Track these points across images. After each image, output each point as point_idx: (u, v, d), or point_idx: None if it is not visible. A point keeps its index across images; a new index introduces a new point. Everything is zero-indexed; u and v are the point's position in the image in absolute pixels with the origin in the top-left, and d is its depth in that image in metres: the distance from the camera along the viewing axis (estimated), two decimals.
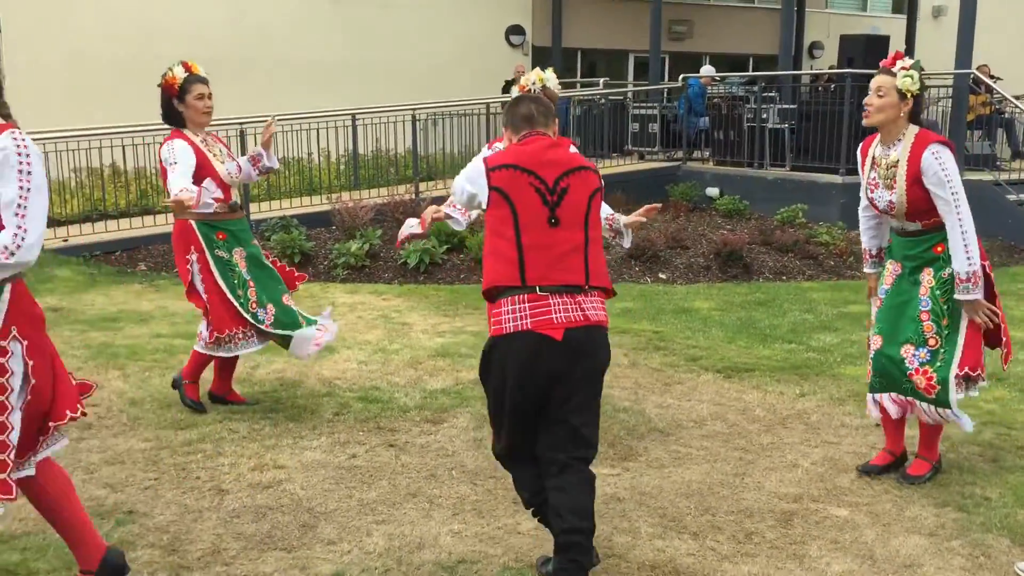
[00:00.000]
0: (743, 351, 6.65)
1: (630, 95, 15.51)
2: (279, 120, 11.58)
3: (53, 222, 10.21)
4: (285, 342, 5.09)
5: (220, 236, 4.97)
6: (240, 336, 5.03)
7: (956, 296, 4.04)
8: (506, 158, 3.31)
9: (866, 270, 4.61)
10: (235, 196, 5.16)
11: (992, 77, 12.85)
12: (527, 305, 3.18)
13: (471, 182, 3.33)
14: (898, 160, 4.09)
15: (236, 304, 4.96)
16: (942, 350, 4.11)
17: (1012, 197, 11.18)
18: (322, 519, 3.89)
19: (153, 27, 14.29)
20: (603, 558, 3.52)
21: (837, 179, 11.21)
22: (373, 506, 4.01)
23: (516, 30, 18.02)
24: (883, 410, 4.32)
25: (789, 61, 14.06)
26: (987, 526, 3.88)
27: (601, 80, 16.15)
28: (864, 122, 4.20)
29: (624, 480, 4.32)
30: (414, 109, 12.58)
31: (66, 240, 9.76)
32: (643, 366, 6.21)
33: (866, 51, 12.08)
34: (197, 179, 4.84)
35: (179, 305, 7.42)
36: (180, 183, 4.68)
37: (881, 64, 4.15)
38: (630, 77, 19.51)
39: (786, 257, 9.86)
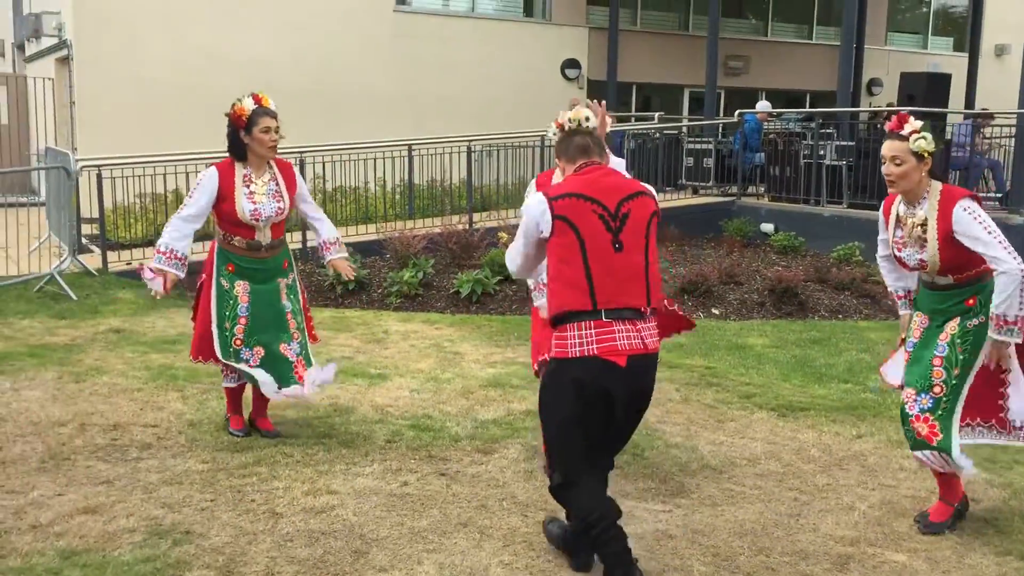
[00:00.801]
0: (798, 390, 6.56)
1: (685, 130, 15.51)
2: (338, 149, 11.87)
3: (117, 245, 10.51)
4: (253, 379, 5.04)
5: (229, 267, 4.98)
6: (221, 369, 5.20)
7: (995, 336, 3.89)
8: (568, 187, 3.50)
9: (901, 312, 4.48)
10: (262, 237, 5.01)
11: None
12: (593, 332, 3.37)
13: (532, 214, 3.47)
14: (926, 219, 4.01)
15: (216, 337, 4.94)
16: (945, 399, 4.00)
17: None
18: (374, 546, 3.91)
19: (218, 57, 14.67)
20: None
21: None
22: (424, 535, 4.03)
23: (572, 64, 18.16)
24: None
25: (847, 98, 13.94)
26: None
27: (656, 114, 16.19)
28: (889, 190, 4.13)
29: (676, 517, 4.29)
30: (469, 141, 12.73)
31: (129, 263, 10.00)
32: (696, 402, 6.16)
33: (927, 88, 11.96)
34: (217, 211, 4.93)
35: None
36: (164, 239, 4.92)
37: (888, 128, 4.06)
38: (685, 111, 19.52)
39: (842, 295, 9.73)
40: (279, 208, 5.01)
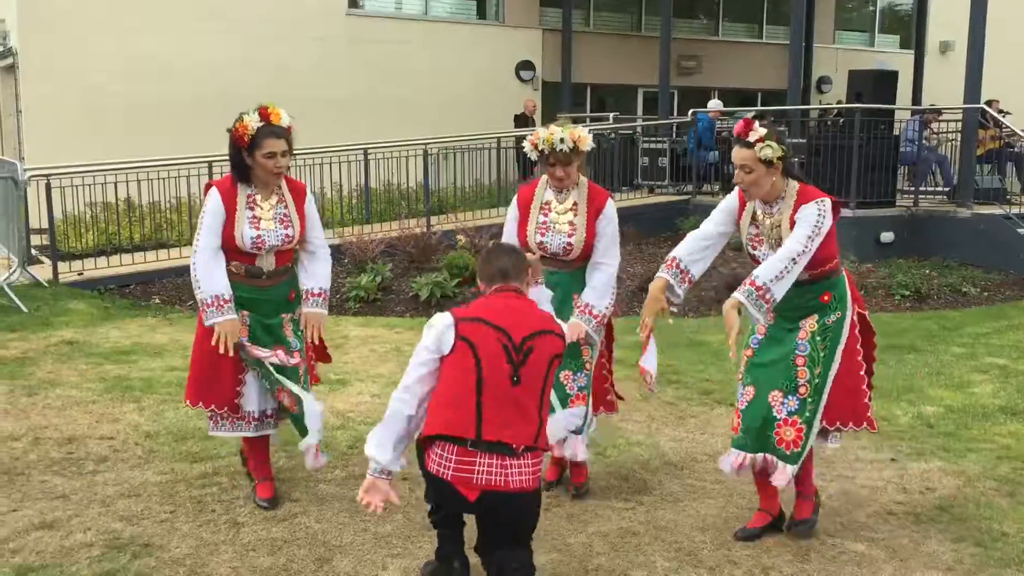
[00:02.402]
0: None
1: (639, 129, 15.62)
2: (293, 154, 11.76)
3: (68, 256, 10.33)
4: (298, 423, 4.34)
5: None
6: (223, 416, 4.37)
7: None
8: (477, 311, 3.36)
9: (662, 274, 4.10)
10: (264, 264, 4.33)
11: (1001, 112, 12.90)
12: (453, 458, 3.23)
13: (438, 329, 3.32)
14: (782, 220, 3.93)
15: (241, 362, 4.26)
16: (809, 400, 3.93)
17: (1022, 231, 11.19)
18: (337, 553, 3.89)
19: (169, 64, 14.50)
20: None
21: (847, 212, 11.24)
22: (388, 540, 4.01)
23: (526, 66, 18.21)
24: (741, 467, 4.04)
25: (797, 96, 14.14)
26: (1005, 561, 3.86)
27: (611, 115, 16.28)
28: (746, 197, 4.04)
29: (639, 514, 4.32)
30: (425, 144, 12.70)
31: (81, 274, 9.84)
32: (656, 399, 6.21)
33: (875, 86, 12.17)
34: (223, 237, 4.24)
35: (192, 338, 7.44)
36: (205, 287, 4.20)
37: (736, 133, 3.95)
38: (639, 111, 19.65)
39: None
40: (287, 236, 4.32)
